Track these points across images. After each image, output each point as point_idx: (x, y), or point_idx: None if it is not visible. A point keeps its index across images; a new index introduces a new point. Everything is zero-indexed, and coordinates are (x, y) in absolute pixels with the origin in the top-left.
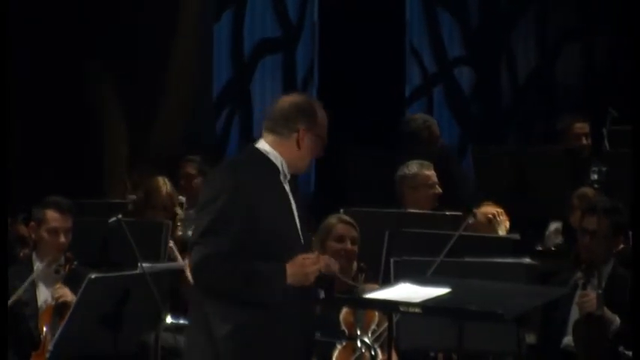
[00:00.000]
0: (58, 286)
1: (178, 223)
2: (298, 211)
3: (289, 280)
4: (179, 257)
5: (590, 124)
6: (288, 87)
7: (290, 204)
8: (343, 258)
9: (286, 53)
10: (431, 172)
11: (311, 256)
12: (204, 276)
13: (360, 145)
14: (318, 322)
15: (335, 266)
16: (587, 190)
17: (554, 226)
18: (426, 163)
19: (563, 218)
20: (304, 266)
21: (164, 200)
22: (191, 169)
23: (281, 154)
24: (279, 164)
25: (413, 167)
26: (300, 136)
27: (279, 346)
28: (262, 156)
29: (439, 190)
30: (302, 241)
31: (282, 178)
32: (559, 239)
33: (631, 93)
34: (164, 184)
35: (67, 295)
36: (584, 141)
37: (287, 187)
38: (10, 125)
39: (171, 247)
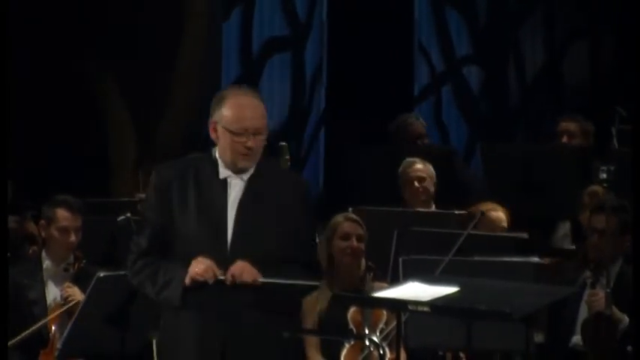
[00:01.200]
0: (67, 285)
1: None
2: (244, 209)
3: (187, 281)
4: None
5: (593, 123)
6: (297, 86)
7: (219, 202)
8: (349, 256)
9: (295, 52)
10: (416, 168)
11: (204, 261)
12: (129, 275)
13: (368, 144)
14: (248, 326)
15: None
16: (598, 188)
17: (562, 230)
18: (415, 159)
19: (572, 217)
20: (197, 265)
21: None
22: None
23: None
24: (217, 160)
25: (402, 165)
26: (212, 127)
27: (191, 346)
28: (207, 153)
29: (428, 186)
30: (227, 240)
31: (221, 174)
32: (567, 242)
33: (632, 93)
34: None
35: (77, 294)
36: (565, 139)
37: (230, 184)
38: (13, 125)
39: None
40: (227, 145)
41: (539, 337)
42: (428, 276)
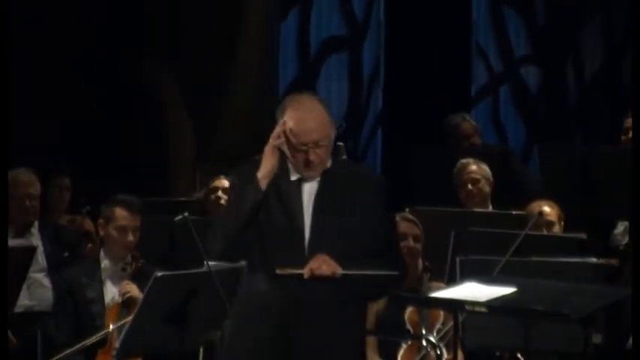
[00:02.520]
0: (125, 282)
1: None
2: (320, 207)
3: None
4: None
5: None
6: (354, 86)
7: (294, 201)
8: (406, 255)
9: (352, 52)
10: (470, 169)
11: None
12: (207, 243)
13: (425, 144)
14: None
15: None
16: None
17: (622, 226)
18: (469, 161)
19: (631, 217)
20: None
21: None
22: None
23: None
24: (289, 164)
25: (457, 166)
26: (280, 130)
27: (254, 342)
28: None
29: (482, 187)
30: (305, 238)
31: (293, 176)
32: (626, 240)
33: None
34: (224, 179)
35: (134, 290)
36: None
37: (301, 186)
38: (72, 124)
39: None
40: (289, 154)
41: (597, 339)
42: (485, 276)
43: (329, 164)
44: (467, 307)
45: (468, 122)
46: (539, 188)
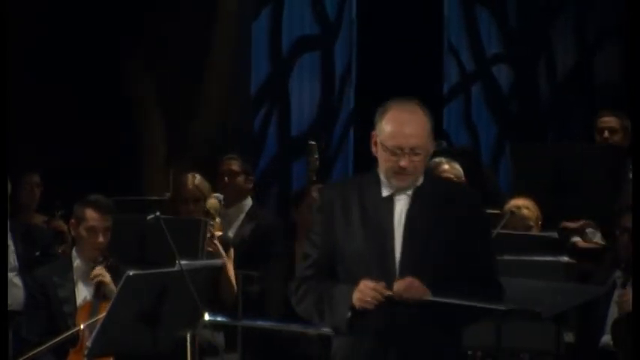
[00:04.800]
0: (98, 267)
1: (214, 220)
2: (412, 226)
3: (355, 303)
4: (223, 254)
5: (629, 120)
6: (326, 85)
7: (384, 220)
8: None
9: (324, 51)
10: (442, 169)
11: (370, 284)
12: (293, 302)
13: None
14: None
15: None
16: None
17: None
18: (442, 159)
19: (603, 216)
20: (358, 292)
21: (191, 192)
22: (235, 167)
23: None
24: (380, 177)
25: (429, 164)
26: (373, 140)
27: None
28: (371, 171)
29: None
30: (395, 259)
31: (384, 191)
32: (597, 238)
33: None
34: (192, 177)
35: (105, 275)
36: (607, 134)
37: (395, 201)
38: (44, 124)
39: (216, 244)
40: (382, 161)
41: (569, 337)
42: None
43: (420, 181)
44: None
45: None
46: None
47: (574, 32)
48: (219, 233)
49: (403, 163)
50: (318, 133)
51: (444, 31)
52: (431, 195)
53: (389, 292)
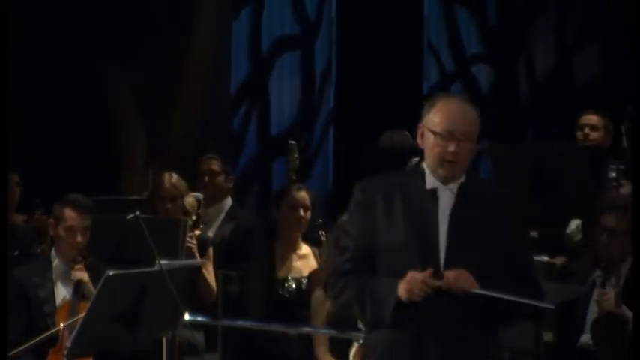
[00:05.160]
0: (77, 267)
1: (192, 219)
2: (457, 221)
3: (401, 295)
4: (197, 255)
5: (611, 122)
6: (306, 84)
7: (428, 214)
8: None
9: (304, 50)
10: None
11: (419, 276)
12: (332, 295)
13: (377, 142)
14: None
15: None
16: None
17: (574, 224)
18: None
19: (583, 216)
20: (407, 283)
21: (168, 191)
22: (215, 167)
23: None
24: (425, 170)
25: (408, 165)
26: (420, 132)
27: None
28: (415, 166)
29: None
30: (440, 252)
31: (429, 184)
32: (579, 237)
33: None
34: (169, 176)
35: (84, 276)
36: (587, 131)
37: (439, 196)
38: (25, 124)
39: (189, 247)
40: (430, 149)
41: (548, 337)
42: None
43: (463, 179)
44: None
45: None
46: None
47: (554, 32)
48: (197, 232)
49: (453, 148)
50: (298, 132)
51: (423, 31)
52: (474, 193)
53: (438, 283)
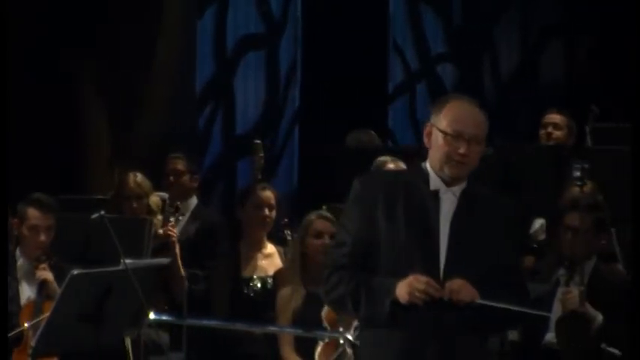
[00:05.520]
0: (41, 266)
1: (156, 218)
2: (459, 224)
3: (400, 297)
4: (176, 244)
5: (575, 121)
6: (271, 83)
7: (430, 215)
8: (322, 254)
9: (269, 50)
10: (388, 167)
11: (423, 279)
12: (324, 290)
13: (343, 141)
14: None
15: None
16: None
17: (538, 223)
18: (387, 159)
19: (547, 215)
20: (408, 286)
21: (133, 190)
22: (180, 166)
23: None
24: (428, 170)
25: (374, 164)
26: (427, 131)
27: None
28: (418, 166)
29: None
30: (440, 254)
31: (432, 185)
32: (543, 237)
33: (631, 93)
34: (133, 176)
35: (49, 275)
36: (551, 129)
37: (441, 198)
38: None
39: (169, 234)
40: (438, 149)
41: (513, 335)
42: None
43: (465, 184)
44: None
45: (369, 135)
46: None
47: (519, 31)
48: (160, 231)
49: (463, 150)
50: (264, 131)
51: (388, 30)
52: (476, 199)
53: (440, 294)
